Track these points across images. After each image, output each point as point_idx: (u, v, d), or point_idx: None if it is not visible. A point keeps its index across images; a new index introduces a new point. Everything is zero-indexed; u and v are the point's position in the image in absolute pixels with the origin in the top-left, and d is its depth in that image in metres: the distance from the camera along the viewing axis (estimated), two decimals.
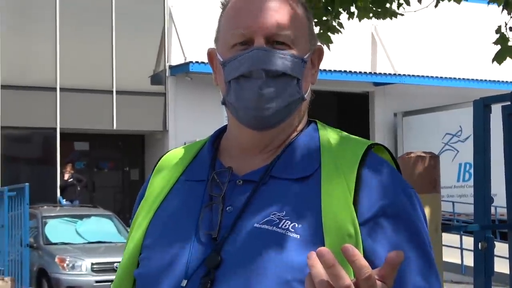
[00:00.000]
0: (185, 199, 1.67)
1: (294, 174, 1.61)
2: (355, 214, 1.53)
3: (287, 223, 1.54)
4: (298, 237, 1.52)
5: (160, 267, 1.60)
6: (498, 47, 6.67)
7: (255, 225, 1.56)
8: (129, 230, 1.75)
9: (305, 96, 1.67)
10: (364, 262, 1.24)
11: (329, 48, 6.57)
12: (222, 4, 1.72)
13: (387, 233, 1.54)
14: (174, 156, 1.77)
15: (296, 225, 1.54)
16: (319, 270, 1.26)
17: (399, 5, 7.02)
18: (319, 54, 1.74)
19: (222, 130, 1.76)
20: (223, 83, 1.67)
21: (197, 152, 1.75)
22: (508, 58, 6.62)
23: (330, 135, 1.68)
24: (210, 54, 1.74)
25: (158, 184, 1.73)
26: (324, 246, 1.46)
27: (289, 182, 1.60)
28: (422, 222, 1.59)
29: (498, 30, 6.68)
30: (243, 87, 1.62)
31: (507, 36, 6.64)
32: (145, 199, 1.72)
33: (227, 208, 1.60)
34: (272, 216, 1.56)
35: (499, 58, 6.61)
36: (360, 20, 6.98)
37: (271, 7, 1.65)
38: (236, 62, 1.63)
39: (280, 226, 1.54)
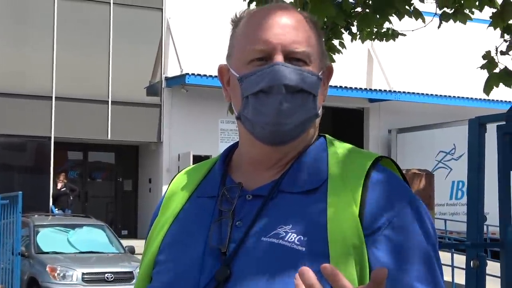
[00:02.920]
0: (196, 215, 1.69)
1: (301, 187, 1.63)
2: (360, 226, 1.54)
3: (293, 236, 1.56)
4: (303, 250, 1.53)
5: (170, 282, 1.63)
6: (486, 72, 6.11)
7: (263, 238, 1.58)
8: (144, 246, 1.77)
9: (319, 112, 1.69)
10: (345, 282, 1.25)
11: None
12: (233, 21, 1.74)
13: (393, 244, 1.55)
14: (187, 174, 1.80)
15: (302, 238, 1.55)
16: None
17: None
18: (329, 72, 1.75)
19: (234, 147, 1.78)
20: (239, 98, 1.68)
21: (209, 169, 1.77)
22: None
23: (338, 148, 1.70)
24: (221, 70, 1.75)
25: (172, 202, 1.75)
26: (329, 258, 1.50)
27: (297, 195, 1.62)
28: (428, 233, 1.60)
29: (486, 56, 6.14)
30: (262, 102, 1.63)
31: (496, 60, 6.13)
32: (158, 217, 1.75)
33: (237, 222, 1.62)
34: (279, 229, 1.57)
35: (487, 88, 6.00)
36: (363, 42, 6.95)
37: (288, 24, 1.67)
38: (255, 77, 1.64)
39: (286, 239, 1.56)
